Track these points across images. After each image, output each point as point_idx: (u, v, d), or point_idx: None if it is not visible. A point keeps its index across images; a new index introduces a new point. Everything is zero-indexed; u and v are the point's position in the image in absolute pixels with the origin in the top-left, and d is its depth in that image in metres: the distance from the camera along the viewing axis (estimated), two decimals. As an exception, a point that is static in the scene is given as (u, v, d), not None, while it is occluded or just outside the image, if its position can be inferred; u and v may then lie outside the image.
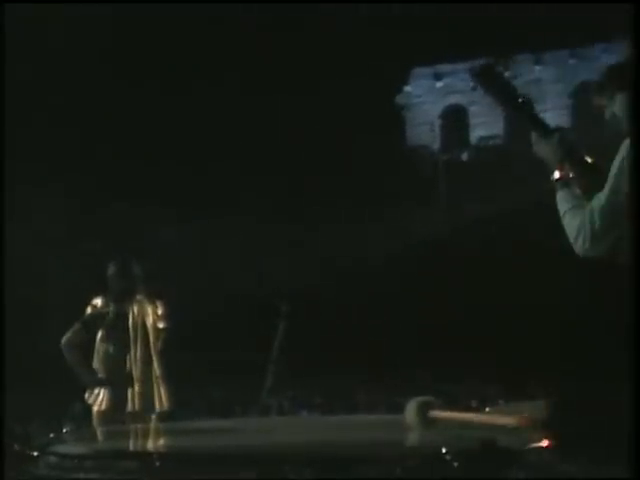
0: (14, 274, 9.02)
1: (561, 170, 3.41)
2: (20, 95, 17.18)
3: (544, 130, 3.49)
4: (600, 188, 3.23)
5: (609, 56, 35.06)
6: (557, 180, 3.41)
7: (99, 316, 7.10)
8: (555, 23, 33.14)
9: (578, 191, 3.37)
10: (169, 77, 28.35)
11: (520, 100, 3.44)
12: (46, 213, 20.85)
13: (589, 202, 3.25)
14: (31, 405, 11.22)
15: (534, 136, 3.50)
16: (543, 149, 3.47)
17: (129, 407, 6.95)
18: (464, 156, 39.34)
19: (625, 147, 3.22)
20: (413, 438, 3.50)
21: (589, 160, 3.44)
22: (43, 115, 23.97)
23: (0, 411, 6.27)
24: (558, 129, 3.50)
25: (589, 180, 3.34)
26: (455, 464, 2.78)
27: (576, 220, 3.26)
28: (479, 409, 6.55)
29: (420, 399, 3.49)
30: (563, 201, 3.36)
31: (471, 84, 35.11)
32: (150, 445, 3.90)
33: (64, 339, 7.09)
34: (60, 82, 24.79)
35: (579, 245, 3.25)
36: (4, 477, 3.35)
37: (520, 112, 3.49)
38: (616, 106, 3.36)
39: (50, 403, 11.91)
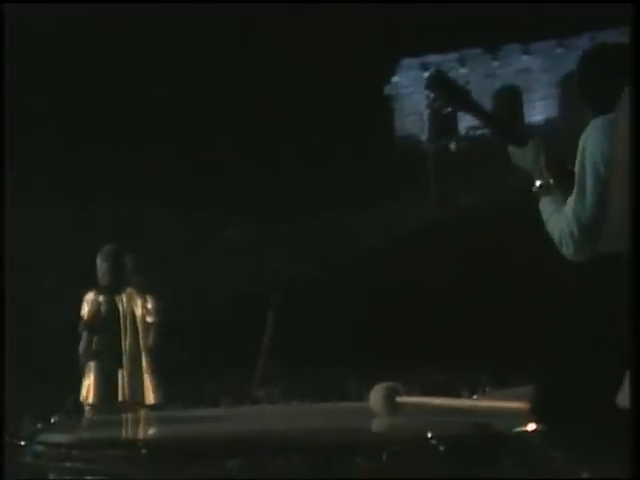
0: (8, 270, 9.01)
1: (541, 178, 3.41)
2: (19, 94, 17.19)
3: (517, 138, 3.47)
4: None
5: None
6: (538, 188, 3.40)
7: (95, 310, 7.12)
8: (542, 12, 33.13)
9: (559, 196, 3.36)
10: (165, 73, 28.33)
11: (475, 101, 3.42)
12: (43, 209, 20.83)
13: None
14: (23, 399, 11.21)
15: (509, 147, 3.48)
16: (521, 159, 3.46)
17: (119, 398, 6.96)
18: (452, 146, 39.34)
19: (582, 144, 3.22)
20: (400, 424, 3.51)
21: (565, 164, 3.44)
22: (43, 114, 23.96)
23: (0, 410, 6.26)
24: (530, 135, 3.49)
25: (569, 184, 3.33)
26: (441, 449, 2.78)
27: (556, 226, 3.27)
28: (466, 397, 6.58)
29: (386, 385, 3.49)
30: (544, 208, 3.37)
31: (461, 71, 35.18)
32: (137, 433, 3.89)
33: (81, 348, 7.11)
34: (60, 81, 24.77)
35: (564, 251, 3.26)
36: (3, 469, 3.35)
37: (486, 120, 3.46)
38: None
39: (42, 397, 11.91)
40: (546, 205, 3.35)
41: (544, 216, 3.35)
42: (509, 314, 18.47)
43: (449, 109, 3.50)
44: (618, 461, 2.74)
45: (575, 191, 3.21)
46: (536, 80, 42.94)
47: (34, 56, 22.53)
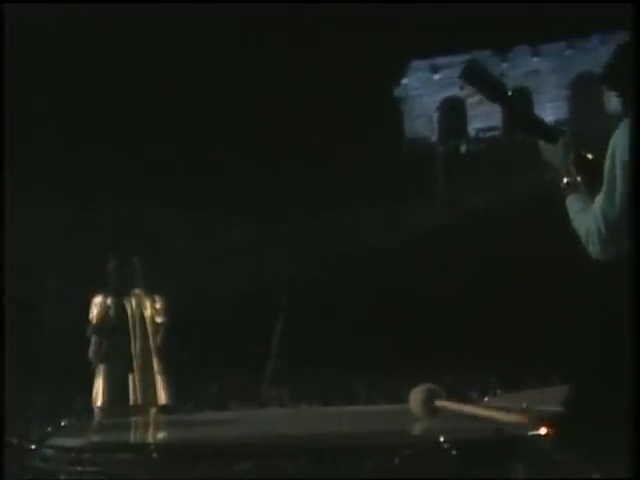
0: (13, 271, 9.03)
1: (569, 175, 3.37)
2: (19, 94, 17.22)
3: (548, 134, 3.42)
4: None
5: (606, 47, 35.04)
6: (566, 185, 3.36)
7: (103, 313, 7.13)
8: (551, 14, 33.10)
9: (587, 195, 3.32)
10: (165, 73, 28.35)
11: (509, 94, 3.39)
12: (46, 210, 20.84)
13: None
14: (32, 401, 11.23)
15: (540, 142, 3.43)
16: (551, 155, 3.41)
17: (130, 400, 6.96)
18: (462, 148, 39.35)
19: (612, 143, 3.18)
20: (411, 428, 3.49)
21: (594, 161, 3.39)
22: (44, 113, 23.98)
23: (0, 409, 6.27)
24: (561, 132, 3.44)
25: (597, 181, 3.29)
26: (453, 453, 2.76)
27: (583, 224, 3.22)
28: (477, 400, 6.54)
29: (427, 387, 3.45)
30: (572, 205, 3.32)
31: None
32: (147, 437, 3.87)
33: (91, 352, 7.12)
34: (60, 81, 24.80)
35: (590, 249, 3.20)
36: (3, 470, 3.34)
37: (514, 111, 3.43)
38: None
39: (51, 399, 11.92)
40: (573, 203, 3.31)
41: (571, 214, 3.30)
42: (515, 316, 18.44)
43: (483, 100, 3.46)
44: (626, 462, 2.73)
45: (604, 189, 3.17)
46: (546, 82, 42.92)
47: (34, 56, 22.54)
